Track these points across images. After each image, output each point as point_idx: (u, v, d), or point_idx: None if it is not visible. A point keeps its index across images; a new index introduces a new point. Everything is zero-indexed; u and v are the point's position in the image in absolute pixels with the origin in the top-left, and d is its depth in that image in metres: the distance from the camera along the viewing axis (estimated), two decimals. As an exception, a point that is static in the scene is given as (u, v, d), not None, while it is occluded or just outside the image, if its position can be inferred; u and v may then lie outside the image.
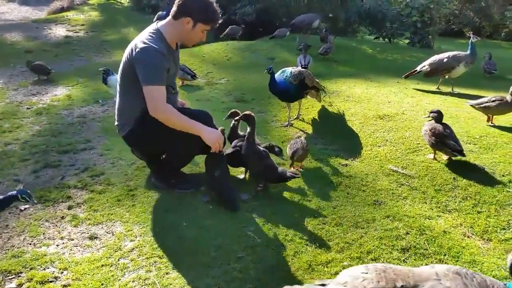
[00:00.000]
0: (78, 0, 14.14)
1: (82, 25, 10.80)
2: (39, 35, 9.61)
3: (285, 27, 9.71)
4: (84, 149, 3.74)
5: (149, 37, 2.69)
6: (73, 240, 2.48)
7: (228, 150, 3.09)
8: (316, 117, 4.44)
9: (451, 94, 5.24)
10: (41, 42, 8.96)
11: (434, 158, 3.32)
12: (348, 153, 3.60)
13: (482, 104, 3.97)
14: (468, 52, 5.23)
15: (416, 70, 5.58)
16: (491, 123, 3.97)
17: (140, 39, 2.68)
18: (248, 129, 2.90)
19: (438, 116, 3.30)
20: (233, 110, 3.18)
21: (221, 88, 5.68)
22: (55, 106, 4.98)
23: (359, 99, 4.83)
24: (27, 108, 4.90)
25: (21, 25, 10.77)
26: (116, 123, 2.89)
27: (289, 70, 4.10)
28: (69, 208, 2.81)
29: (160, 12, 10.52)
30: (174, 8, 2.74)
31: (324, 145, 3.80)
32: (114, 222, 2.65)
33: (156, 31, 2.75)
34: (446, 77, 5.42)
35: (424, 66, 5.47)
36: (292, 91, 4.03)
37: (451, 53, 5.31)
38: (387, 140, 3.71)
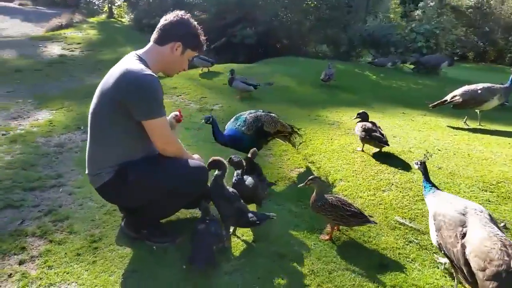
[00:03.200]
0: (78, 18, 14.01)
1: (79, 43, 10.56)
2: (33, 53, 9.35)
3: (288, 49, 9.51)
4: (53, 186, 3.34)
5: (139, 64, 2.29)
6: (15, 308, 2.07)
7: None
8: (312, 153, 4.04)
9: (462, 129, 4.86)
10: (33, 61, 8.68)
11: (362, 150, 3.90)
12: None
13: None
14: (507, 85, 4.88)
15: (446, 101, 5.13)
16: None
17: (126, 68, 2.24)
18: (217, 172, 2.51)
19: (364, 115, 3.94)
20: (213, 159, 2.61)
21: (214, 114, 5.30)
22: (33, 132, 4.61)
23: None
24: (3, 135, 4.53)
25: (17, 42, 10.54)
26: (87, 171, 2.46)
27: (243, 116, 3.45)
28: (21, 263, 2.39)
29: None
30: (159, 33, 2.44)
31: (321, 187, 3.40)
32: (68, 284, 2.23)
33: (140, 59, 2.38)
34: (477, 110, 5.03)
35: (455, 96, 5.02)
36: (246, 143, 3.30)
37: (485, 85, 4.94)
38: (392, 184, 3.31)
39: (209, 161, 2.56)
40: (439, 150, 3.94)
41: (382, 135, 3.72)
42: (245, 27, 10.10)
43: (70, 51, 9.84)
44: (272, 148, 4.16)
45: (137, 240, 2.58)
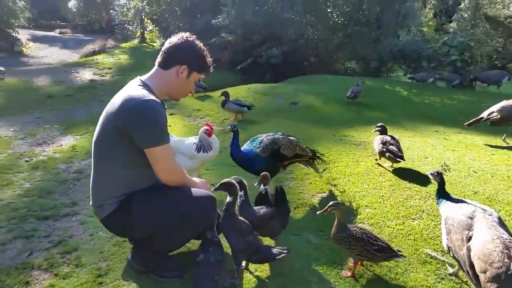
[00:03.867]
0: (110, 44, 14.47)
1: (110, 68, 10.83)
2: (65, 79, 9.64)
3: (315, 67, 9.33)
4: (67, 215, 3.28)
5: (141, 90, 2.20)
6: None
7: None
8: (336, 176, 3.80)
9: (501, 148, 4.48)
10: (65, 87, 8.93)
11: (378, 163, 3.92)
12: (373, 227, 2.93)
13: None
14: None
15: (482, 118, 4.76)
16: None
17: (128, 94, 2.15)
18: (228, 199, 2.33)
19: (383, 128, 4.02)
20: (225, 180, 2.49)
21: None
22: (55, 159, 4.63)
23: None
24: (26, 161, 4.57)
25: (52, 69, 10.94)
26: (91, 203, 2.34)
27: (260, 138, 3.31)
28: (23, 299, 2.30)
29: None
30: (163, 57, 2.33)
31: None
32: (68, 324, 2.11)
33: (144, 85, 2.28)
34: None
35: (493, 113, 4.66)
36: (258, 165, 3.14)
37: None
38: (423, 211, 3.02)
39: (220, 183, 2.40)
40: (475, 172, 3.61)
41: (399, 149, 3.71)
42: (271, 47, 10.03)
43: (100, 76, 10.08)
44: (294, 171, 3.96)
45: (144, 274, 2.43)
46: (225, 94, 5.80)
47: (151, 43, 15.95)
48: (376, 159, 4.00)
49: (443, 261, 2.48)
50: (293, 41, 10.02)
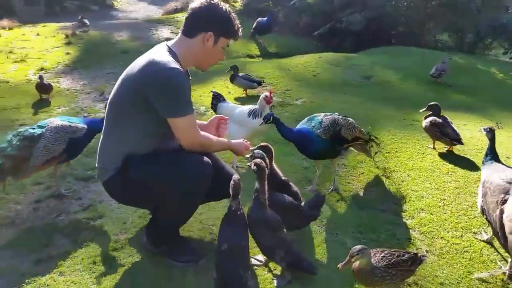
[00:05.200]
0: (192, 1, 14.45)
1: (186, 27, 10.81)
2: (143, 36, 9.79)
3: (402, 37, 8.40)
4: (104, 177, 3.26)
5: (167, 57, 2.04)
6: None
7: None
8: (395, 168, 3.33)
9: None
10: (141, 43, 9.05)
11: (434, 148, 3.63)
12: (424, 236, 2.50)
13: None
14: None
15: None
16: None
17: (153, 58, 2.01)
18: (256, 185, 2.05)
19: (436, 108, 3.60)
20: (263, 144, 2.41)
21: (293, 111, 4.82)
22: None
23: (464, 149, 3.57)
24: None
25: (132, 25, 11.18)
26: (96, 165, 2.25)
27: (318, 118, 2.93)
28: (37, 262, 2.28)
29: (260, 18, 10.00)
30: (186, 24, 2.15)
31: (387, 220, 2.72)
32: (70, 299, 2.05)
33: (170, 51, 2.11)
34: None
35: None
36: (317, 147, 2.83)
37: None
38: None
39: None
40: None
41: (455, 131, 3.48)
42: (353, 12, 9.22)
43: (176, 34, 10.11)
44: (346, 157, 3.54)
45: (158, 256, 2.30)
46: (234, 68, 5.40)
47: (232, 3, 15.66)
48: (433, 146, 3.66)
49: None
50: (379, 7, 9.11)
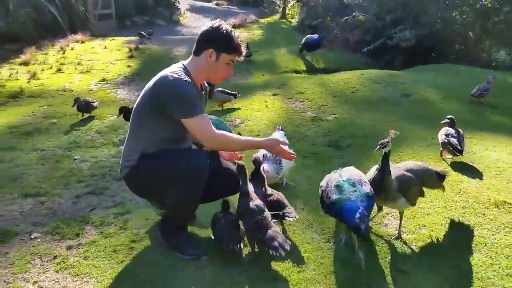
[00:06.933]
0: (251, 18, 15.00)
1: (240, 42, 11.29)
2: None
3: (456, 55, 8.18)
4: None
5: (177, 71, 2.45)
6: (40, 289, 2.33)
7: None
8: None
9: None
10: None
11: (440, 155, 3.93)
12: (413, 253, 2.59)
13: None
14: None
15: None
16: None
17: (166, 73, 2.44)
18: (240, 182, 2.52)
19: (451, 122, 3.91)
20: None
21: (324, 125, 5.00)
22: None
23: (484, 170, 3.55)
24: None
25: (191, 40, 11.87)
26: (120, 164, 2.66)
27: (350, 180, 2.50)
28: (68, 248, 2.69)
29: (309, 35, 10.19)
30: (195, 45, 2.54)
31: (387, 233, 2.84)
32: (90, 278, 2.41)
33: (183, 68, 2.52)
34: None
35: None
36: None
37: None
38: (486, 245, 2.55)
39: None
40: None
41: (460, 144, 3.70)
42: (404, 29, 9.16)
43: (230, 49, 10.60)
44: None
45: (170, 252, 2.62)
46: (210, 84, 5.50)
47: (290, 19, 16.03)
48: (441, 154, 3.94)
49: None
50: (430, 24, 8.96)
